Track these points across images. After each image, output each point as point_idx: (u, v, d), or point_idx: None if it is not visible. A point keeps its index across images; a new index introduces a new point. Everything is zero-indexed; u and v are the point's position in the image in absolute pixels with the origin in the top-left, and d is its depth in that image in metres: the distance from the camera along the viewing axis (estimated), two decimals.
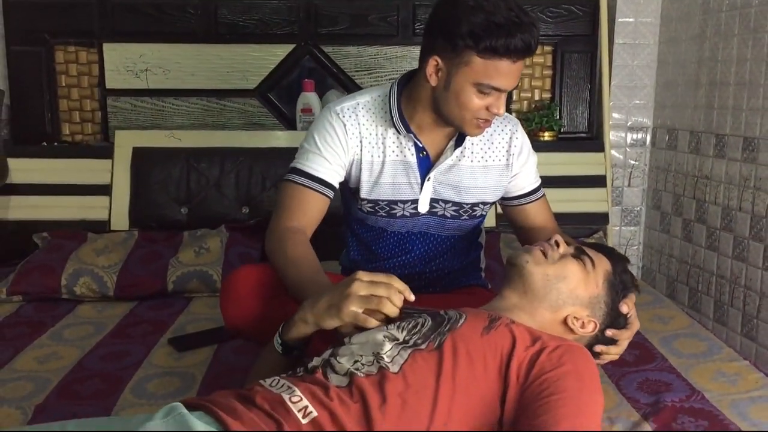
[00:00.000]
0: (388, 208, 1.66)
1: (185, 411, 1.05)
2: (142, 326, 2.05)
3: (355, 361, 1.15)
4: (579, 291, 1.32)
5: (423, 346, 1.16)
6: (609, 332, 1.37)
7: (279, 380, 1.14)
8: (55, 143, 2.77)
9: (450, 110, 1.50)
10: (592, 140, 2.84)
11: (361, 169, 1.62)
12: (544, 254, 1.34)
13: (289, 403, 1.06)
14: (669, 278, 2.77)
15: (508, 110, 2.85)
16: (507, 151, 1.67)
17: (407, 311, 1.28)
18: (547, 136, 2.77)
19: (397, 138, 1.60)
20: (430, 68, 1.48)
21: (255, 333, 1.56)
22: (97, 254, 2.34)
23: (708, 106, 2.48)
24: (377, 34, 2.77)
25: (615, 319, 1.38)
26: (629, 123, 2.88)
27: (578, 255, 1.35)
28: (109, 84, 2.77)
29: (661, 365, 1.72)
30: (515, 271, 1.34)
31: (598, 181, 2.75)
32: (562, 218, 2.49)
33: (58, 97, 2.79)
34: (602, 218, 2.74)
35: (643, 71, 2.83)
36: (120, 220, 2.62)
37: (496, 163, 1.67)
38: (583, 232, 2.69)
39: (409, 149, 1.61)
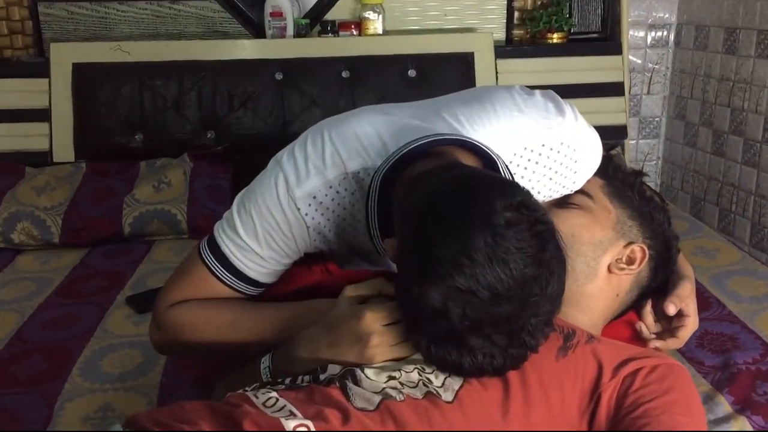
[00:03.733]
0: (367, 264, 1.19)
1: None
2: (94, 280, 1.80)
3: (391, 377, 0.84)
4: (598, 233, 1.07)
5: None
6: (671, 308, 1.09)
7: (277, 399, 0.82)
8: None
9: None
10: (607, 41, 2.57)
11: (327, 259, 1.15)
12: None
13: None
14: (694, 197, 2.57)
15: (510, 8, 2.56)
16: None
17: None
18: (555, 37, 2.50)
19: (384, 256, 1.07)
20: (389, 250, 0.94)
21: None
22: (37, 193, 2.07)
23: None
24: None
25: (650, 221, 1.11)
26: (650, 20, 2.63)
27: (564, 201, 1.09)
28: None
29: (720, 313, 1.50)
30: None
31: (614, 89, 2.49)
32: None
33: None
34: (620, 132, 2.49)
35: None
36: (63, 150, 2.32)
37: None
38: None
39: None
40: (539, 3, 2.57)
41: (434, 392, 0.82)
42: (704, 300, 1.54)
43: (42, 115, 2.33)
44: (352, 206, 1.04)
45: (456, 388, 0.83)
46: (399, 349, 0.88)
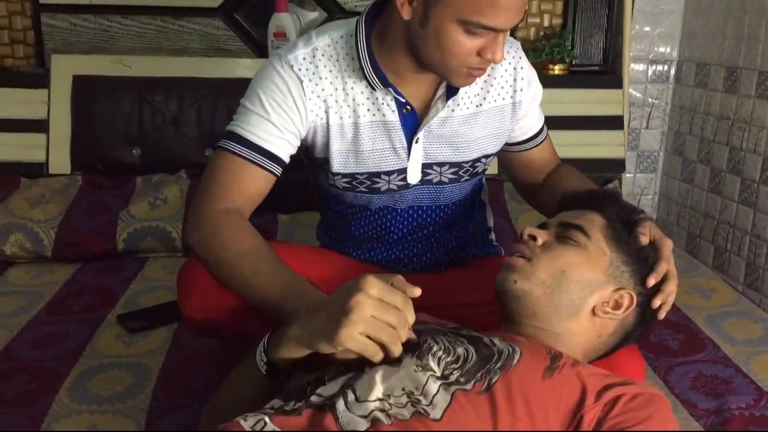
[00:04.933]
0: (368, 183, 1.30)
1: None
2: (85, 297, 1.78)
3: (381, 399, 0.85)
4: (588, 274, 1.06)
5: (468, 386, 0.87)
6: (651, 279, 1.08)
7: (266, 423, 0.82)
8: None
9: (429, 55, 1.14)
10: (608, 74, 2.57)
11: (329, 137, 1.25)
12: (527, 258, 1.07)
13: None
14: (690, 233, 2.56)
15: (513, 37, 2.52)
16: (513, 85, 1.31)
17: (434, 331, 0.98)
18: (557, 69, 2.49)
19: (372, 93, 1.24)
20: None
21: (224, 332, 1.24)
22: (31, 205, 2.05)
23: (751, 38, 2.21)
24: None
25: (643, 265, 1.10)
26: (651, 55, 2.63)
27: (563, 234, 1.09)
28: None
29: (714, 355, 1.49)
30: (509, 298, 1.06)
31: (614, 122, 2.48)
32: (571, 164, 2.27)
33: None
34: (618, 165, 2.47)
35: None
36: (60, 162, 2.30)
37: (500, 103, 1.31)
38: (595, 181, 2.42)
39: (388, 105, 1.24)
40: (542, 34, 2.57)
41: (422, 411, 0.83)
42: (698, 341, 1.54)
43: (40, 126, 2.30)
44: (337, 55, 1.23)
45: (444, 406, 0.84)
46: (377, 325, 0.88)
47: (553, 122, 2.43)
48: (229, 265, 1.14)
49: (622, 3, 2.47)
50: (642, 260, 1.09)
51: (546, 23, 2.57)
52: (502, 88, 1.29)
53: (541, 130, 1.43)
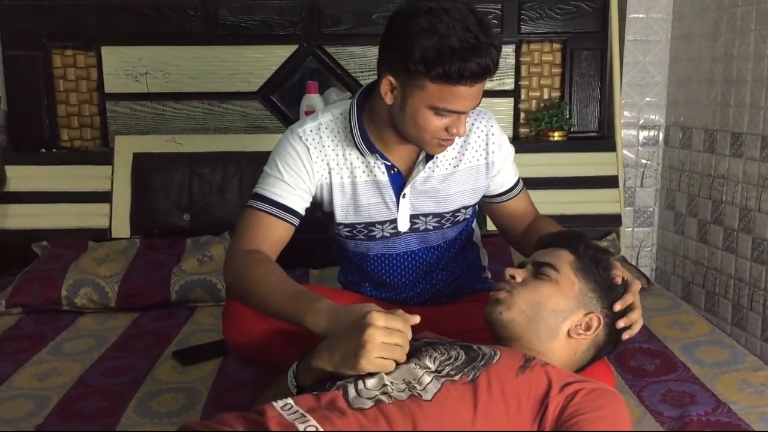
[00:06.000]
0: (366, 231, 1.58)
1: None
2: (144, 338, 2.01)
3: (384, 385, 1.09)
4: (560, 303, 1.26)
5: (456, 378, 1.11)
6: (617, 305, 1.29)
7: (293, 405, 1.07)
8: (54, 149, 2.72)
9: (407, 131, 1.41)
10: (604, 139, 2.78)
11: (332, 194, 1.54)
12: (509, 293, 1.28)
13: None
14: (684, 280, 2.72)
15: (516, 110, 2.81)
16: (485, 149, 1.58)
17: (434, 342, 1.22)
18: (557, 135, 2.72)
19: (365, 158, 1.52)
20: (385, 86, 1.39)
21: (262, 360, 1.50)
22: (98, 264, 2.29)
23: (724, 104, 2.43)
24: (382, 33, 2.69)
25: (610, 294, 1.30)
26: (641, 121, 2.83)
27: (537, 271, 1.30)
28: (108, 88, 2.72)
29: (684, 375, 1.67)
30: (497, 325, 1.29)
31: (610, 182, 2.69)
32: (573, 220, 2.49)
33: (56, 102, 2.74)
34: (615, 219, 2.68)
35: (655, 68, 2.78)
36: (121, 227, 2.57)
37: (475, 163, 1.58)
38: (595, 234, 2.63)
39: (378, 168, 1.53)
40: (542, 106, 2.81)
41: (417, 394, 1.06)
42: (672, 365, 1.72)
43: (104, 197, 2.57)
44: (337, 128, 1.51)
45: (435, 391, 1.07)
46: (388, 348, 1.11)
47: (554, 183, 2.70)
48: (251, 289, 1.37)
49: (611, 77, 2.72)
50: (607, 288, 1.29)
51: (546, 96, 2.82)
52: (476, 151, 1.57)
53: (516, 183, 1.68)
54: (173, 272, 2.26)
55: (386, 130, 1.48)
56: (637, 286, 1.34)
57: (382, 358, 1.12)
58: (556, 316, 1.26)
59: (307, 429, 1.00)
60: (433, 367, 1.14)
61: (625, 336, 1.32)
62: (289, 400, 1.09)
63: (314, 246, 2.19)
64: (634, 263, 2.83)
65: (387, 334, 1.12)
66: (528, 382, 1.12)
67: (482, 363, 1.14)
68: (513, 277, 1.30)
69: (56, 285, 2.20)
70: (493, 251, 2.02)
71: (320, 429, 1.01)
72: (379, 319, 1.13)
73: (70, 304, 2.20)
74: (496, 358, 1.16)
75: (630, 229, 2.89)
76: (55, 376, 1.75)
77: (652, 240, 2.91)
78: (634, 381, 1.65)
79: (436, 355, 1.17)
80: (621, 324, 1.29)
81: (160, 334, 2.03)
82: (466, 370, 1.13)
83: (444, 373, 1.12)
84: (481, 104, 1.53)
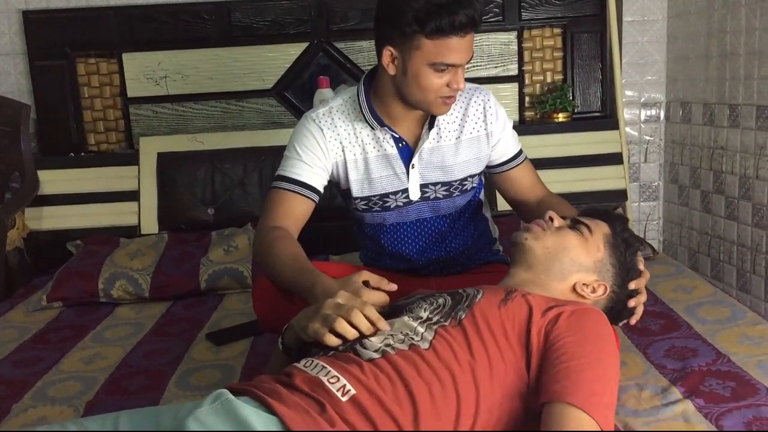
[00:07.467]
0: (381, 202, 1.71)
1: (231, 396, 1.09)
2: (179, 324, 2.11)
3: (386, 338, 1.20)
4: (581, 258, 1.36)
5: (446, 323, 1.22)
6: (632, 284, 1.40)
7: (313, 361, 1.18)
8: (82, 153, 2.84)
9: (413, 94, 1.56)
10: (607, 119, 2.86)
11: (347, 170, 1.68)
12: (542, 229, 1.39)
13: (328, 384, 1.11)
14: (691, 250, 2.79)
15: (521, 94, 2.90)
16: (484, 120, 1.71)
17: (425, 296, 1.32)
18: (561, 117, 2.80)
19: (374, 133, 1.66)
20: (386, 58, 1.54)
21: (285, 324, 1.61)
22: (130, 258, 2.40)
23: (720, 78, 2.50)
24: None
25: (626, 276, 1.40)
26: (642, 99, 2.91)
27: (574, 225, 1.40)
28: (131, 93, 2.83)
29: (687, 333, 1.75)
30: (517, 249, 1.39)
31: (614, 159, 2.77)
32: (581, 197, 2.56)
33: (82, 109, 2.86)
34: (621, 195, 2.76)
35: (653, 47, 2.86)
36: (149, 223, 2.68)
37: (476, 135, 1.71)
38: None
39: (387, 142, 1.66)
40: (546, 89, 2.89)
41: (415, 344, 1.18)
42: (675, 324, 1.80)
43: (132, 195, 2.69)
44: (347, 110, 1.65)
45: (430, 339, 1.18)
46: (328, 317, 1.20)
47: (561, 162, 2.77)
48: (270, 263, 1.52)
49: (612, 58, 2.79)
50: (626, 269, 1.39)
51: (549, 79, 2.91)
52: (476, 123, 1.70)
53: (519, 153, 1.80)
54: (201, 263, 2.36)
55: (392, 101, 1.62)
56: (647, 276, 1.45)
57: (333, 331, 1.20)
58: (572, 265, 1.36)
59: (330, 380, 1.11)
60: (424, 317, 1.24)
61: (633, 321, 1.44)
62: (310, 358, 1.20)
63: (334, 233, 2.31)
64: (641, 237, 2.90)
65: (335, 307, 1.22)
66: (510, 311, 1.21)
67: (466, 304, 1.24)
68: (552, 219, 1.41)
69: (93, 279, 2.31)
70: (504, 230, 2.11)
71: (340, 377, 1.12)
72: (340, 296, 1.25)
73: (107, 296, 2.30)
74: (479, 296, 1.26)
75: (636, 203, 2.96)
76: (99, 360, 1.86)
77: (658, 213, 2.99)
78: (639, 340, 1.73)
79: (425, 305, 1.27)
80: (632, 303, 1.41)
81: (192, 319, 2.13)
82: (453, 313, 1.23)
83: (435, 320, 1.22)
84: (487, 89, 1.64)
